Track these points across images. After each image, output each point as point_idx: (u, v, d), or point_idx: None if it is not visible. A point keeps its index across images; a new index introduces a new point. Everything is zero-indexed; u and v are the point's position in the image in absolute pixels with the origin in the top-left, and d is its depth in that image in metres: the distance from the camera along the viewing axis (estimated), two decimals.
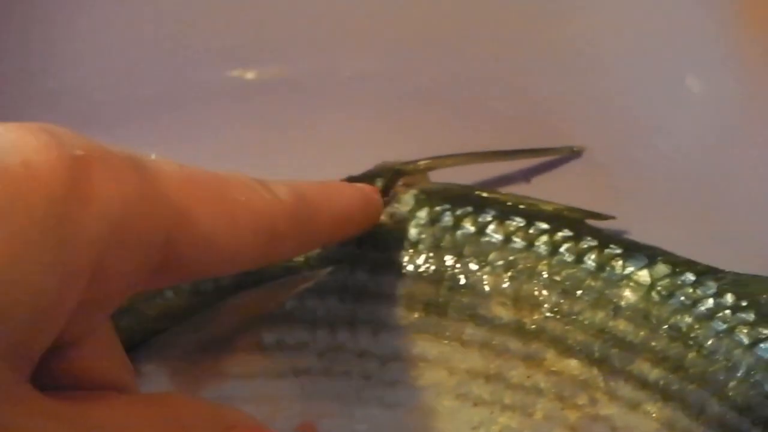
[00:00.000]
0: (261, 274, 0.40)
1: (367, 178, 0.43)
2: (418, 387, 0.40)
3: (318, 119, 0.48)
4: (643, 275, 0.40)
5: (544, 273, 0.40)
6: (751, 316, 0.40)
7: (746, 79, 0.45)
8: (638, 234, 0.43)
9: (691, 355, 0.39)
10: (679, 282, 0.40)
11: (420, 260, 0.41)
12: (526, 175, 0.46)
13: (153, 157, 0.29)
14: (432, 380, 0.40)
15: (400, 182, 0.43)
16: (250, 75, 0.49)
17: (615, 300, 0.40)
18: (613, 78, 0.46)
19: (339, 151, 0.47)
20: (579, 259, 0.41)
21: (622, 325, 0.40)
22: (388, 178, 0.42)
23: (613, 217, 0.43)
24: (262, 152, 0.47)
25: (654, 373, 0.39)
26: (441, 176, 0.44)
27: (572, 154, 0.46)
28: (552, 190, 0.44)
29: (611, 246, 0.41)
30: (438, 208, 0.42)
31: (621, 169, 0.46)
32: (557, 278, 0.40)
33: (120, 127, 0.47)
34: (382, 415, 0.40)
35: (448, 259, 0.41)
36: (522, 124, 0.46)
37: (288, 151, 0.47)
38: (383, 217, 0.41)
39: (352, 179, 0.43)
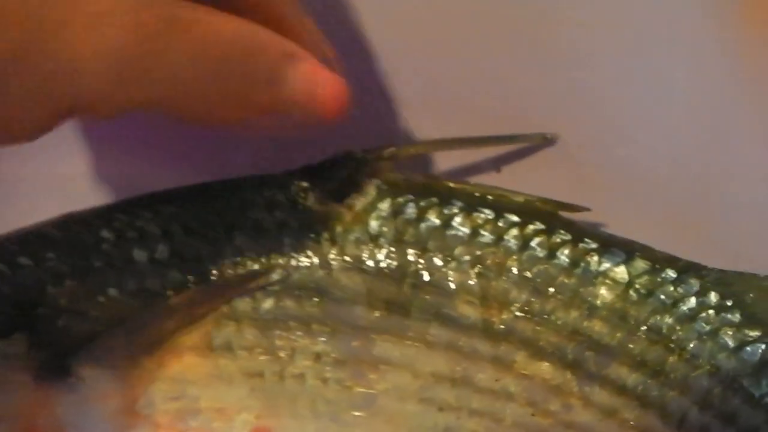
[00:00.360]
0: (210, 271, 0.39)
1: (327, 167, 0.41)
2: (380, 391, 0.39)
3: None
4: (620, 272, 0.39)
5: (513, 269, 0.39)
6: (736, 317, 0.39)
7: (738, 74, 0.44)
8: (615, 227, 0.42)
9: (672, 359, 0.38)
10: (659, 279, 0.39)
11: (381, 255, 0.40)
12: (496, 165, 0.44)
13: None
14: (394, 384, 0.39)
15: (362, 172, 0.41)
16: None
17: (590, 299, 0.39)
18: (594, 68, 0.45)
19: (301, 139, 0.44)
20: (551, 254, 0.40)
21: (597, 326, 0.39)
22: (350, 167, 0.41)
23: (587, 209, 0.42)
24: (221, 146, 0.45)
25: (632, 378, 0.38)
26: (406, 165, 0.42)
27: (545, 142, 0.45)
28: (523, 180, 0.43)
29: (586, 240, 0.40)
30: (401, 200, 0.40)
31: (597, 159, 0.44)
32: (528, 275, 0.39)
33: None
34: (341, 421, 0.39)
35: (412, 254, 0.40)
36: (494, 112, 0.45)
37: (249, 140, 0.45)
38: (342, 210, 0.40)
39: (307, 169, 0.41)
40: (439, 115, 0.45)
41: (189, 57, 0.34)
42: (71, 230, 0.40)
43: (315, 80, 0.37)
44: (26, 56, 0.31)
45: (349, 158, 0.41)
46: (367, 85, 0.45)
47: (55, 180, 0.45)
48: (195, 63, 0.34)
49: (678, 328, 0.39)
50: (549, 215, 0.41)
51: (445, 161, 0.44)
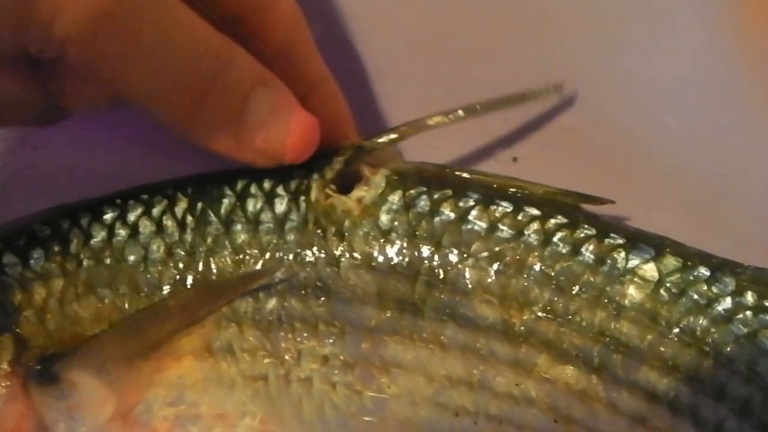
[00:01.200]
0: (209, 270, 0.39)
1: (323, 157, 0.40)
2: (391, 395, 0.39)
3: None
4: (650, 270, 0.38)
5: (535, 266, 0.38)
6: None
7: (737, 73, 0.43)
8: (641, 221, 0.41)
9: (707, 363, 0.37)
10: (691, 278, 0.38)
11: (392, 251, 0.39)
12: (512, 153, 0.44)
13: None
14: (407, 388, 0.39)
15: (362, 160, 0.40)
16: None
17: (617, 298, 0.38)
18: (618, 47, 0.44)
19: None
20: (575, 250, 0.39)
21: (625, 328, 0.38)
22: (350, 156, 0.40)
23: (612, 202, 0.41)
24: None
25: (663, 384, 0.37)
26: (412, 152, 0.41)
27: (553, 92, 0.43)
28: (541, 170, 0.42)
29: (612, 235, 0.39)
30: (413, 192, 0.39)
31: (621, 147, 0.43)
32: (550, 272, 0.38)
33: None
34: (349, 427, 0.39)
35: (425, 250, 0.39)
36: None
37: None
38: (350, 203, 0.39)
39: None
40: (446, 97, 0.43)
41: (155, 45, 0.35)
42: (60, 226, 0.39)
43: (283, 111, 0.37)
44: None
45: (349, 146, 0.40)
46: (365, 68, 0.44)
47: (48, 172, 0.44)
48: (159, 53, 0.35)
49: (713, 329, 0.37)
50: (571, 208, 0.39)
51: (456, 149, 0.43)
